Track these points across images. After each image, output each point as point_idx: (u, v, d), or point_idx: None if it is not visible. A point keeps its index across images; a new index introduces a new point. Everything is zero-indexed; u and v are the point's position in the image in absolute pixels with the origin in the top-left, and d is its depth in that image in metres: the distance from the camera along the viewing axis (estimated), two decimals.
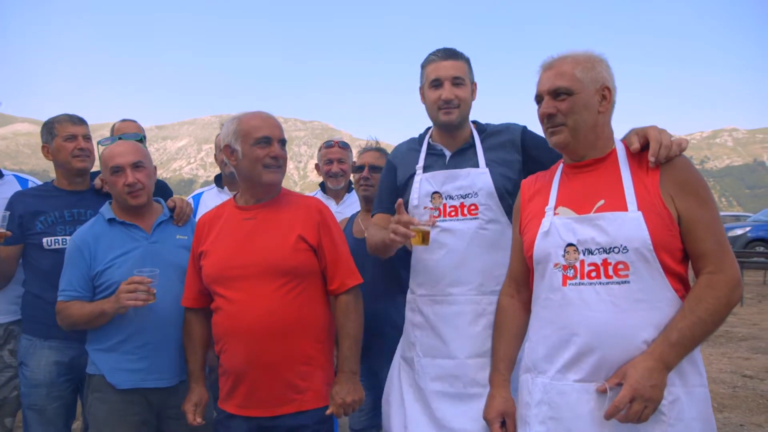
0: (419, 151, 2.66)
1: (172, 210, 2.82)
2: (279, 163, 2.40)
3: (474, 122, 2.69)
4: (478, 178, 2.46)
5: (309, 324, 2.37)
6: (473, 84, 2.59)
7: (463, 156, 2.56)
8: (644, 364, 1.72)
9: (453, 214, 2.49)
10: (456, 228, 2.47)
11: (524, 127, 2.61)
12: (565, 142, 1.96)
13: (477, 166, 2.51)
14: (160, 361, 2.59)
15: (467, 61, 2.56)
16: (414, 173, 2.62)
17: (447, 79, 2.48)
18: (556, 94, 1.93)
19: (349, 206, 3.92)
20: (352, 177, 3.76)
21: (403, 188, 2.66)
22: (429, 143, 2.65)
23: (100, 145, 2.77)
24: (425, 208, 2.55)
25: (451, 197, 2.50)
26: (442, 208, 2.52)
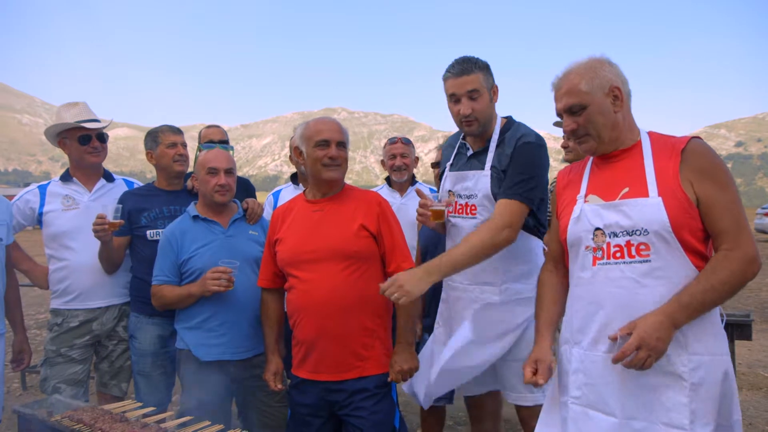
0: (455, 148, 2.91)
1: (245, 210, 3.24)
2: (337, 162, 2.69)
3: (507, 118, 2.83)
4: (480, 181, 2.70)
5: (369, 301, 2.64)
6: (493, 88, 2.70)
7: (479, 157, 2.77)
8: (653, 318, 1.87)
9: (460, 211, 2.79)
10: (459, 224, 2.79)
11: (524, 143, 2.64)
12: (593, 149, 2.13)
13: (484, 168, 2.71)
14: (236, 337, 3.00)
15: (483, 69, 2.65)
16: (445, 169, 2.90)
17: (463, 94, 2.64)
18: (571, 111, 2.09)
19: (413, 198, 4.21)
20: (420, 170, 4.06)
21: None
22: (461, 141, 2.89)
23: (200, 149, 3.18)
24: (447, 203, 2.83)
25: (460, 196, 2.78)
26: (454, 205, 2.80)
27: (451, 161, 2.88)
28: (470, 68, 2.62)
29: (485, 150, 2.75)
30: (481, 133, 2.74)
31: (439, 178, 3.07)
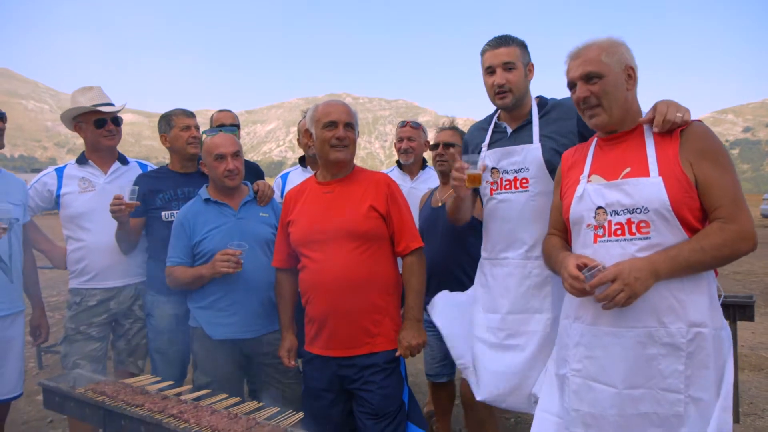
0: (487, 130, 2.92)
1: (256, 192, 3.32)
2: (344, 143, 2.76)
3: (539, 97, 2.85)
4: (530, 153, 2.68)
5: (379, 279, 2.73)
6: (529, 65, 2.74)
7: (522, 132, 2.77)
8: (637, 260, 1.99)
9: (508, 187, 2.75)
10: (509, 199, 2.74)
11: None
12: (603, 123, 2.18)
13: (532, 141, 2.71)
14: (246, 317, 3.10)
15: (520, 45, 2.71)
16: (481, 150, 2.88)
17: (498, 65, 2.67)
18: (588, 78, 2.14)
19: (423, 182, 4.31)
20: (428, 154, 4.16)
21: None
22: (495, 122, 2.90)
23: (204, 135, 3.29)
24: (486, 182, 2.82)
25: (506, 172, 2.75)
26: (499, 181, 2.77)
27: (487, 141, 2.88)
28: (507, 41, 2.68)
29: (528, 124, 2.76)
30: (514, 107, 2.75)
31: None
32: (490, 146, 2.86)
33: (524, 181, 2.72)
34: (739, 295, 4.48)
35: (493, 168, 2.80)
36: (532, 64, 2.78)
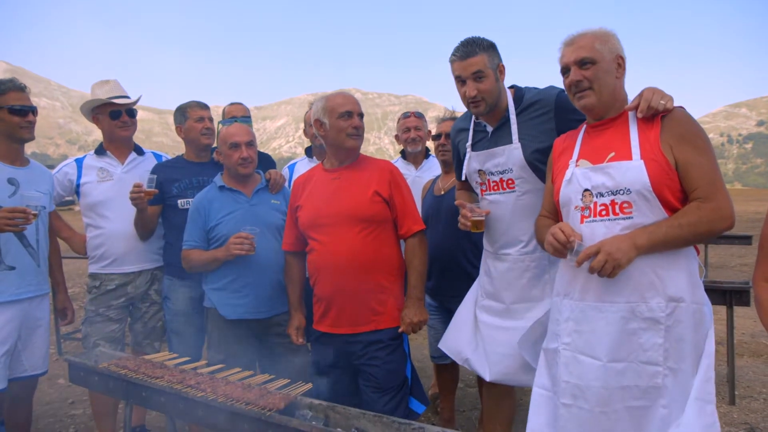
0: (468, 129, 2.96)
1: (268, 180, 3.48)
2: (359, 132, 2.93)
3: (513, 87, 2.86)
4: (512, 154, 2.72)
5: (383, 261, 2.88)
6: (499, 67, 2.71)
7: (502, 131, 2.79)
8: (619, 236, 2.12)
9: (495, 188, 2.83)
10: (499, 200, 2.82)
11: (559, 92, 2.69)
12: (591, 105, 2.30)
13: (512, 141, 2.73)
14: (258, 298, 3.25)
15: (488, 49, 2.66)
16: (467, 150, 2.95)
17: (468, 77, 2.66)
18: (582, 63, 2.27)
19: (427, 170, 4.45)
20: (431, 144, 4.31)
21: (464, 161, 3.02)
22: (475, 121, 2.94)
23: (220, 125, 3.44)
24: (476, 182, 2.93)
25: (492, 173, 2.82)
26: (487, 183, 2.87)
27: (470, 142, 2.94)
28: (474, 50, 2.64)
29: (506, 122, 2.78)
30: (490, 112, 2.76)
31: (455, 159, 3.18)
32: (473, 147, 2.93)
33: (510, 181, 2.78)
34: (736, 281, 4.61)
35: (480, 170, 2.89)
36: (503, 65, 2.74)
